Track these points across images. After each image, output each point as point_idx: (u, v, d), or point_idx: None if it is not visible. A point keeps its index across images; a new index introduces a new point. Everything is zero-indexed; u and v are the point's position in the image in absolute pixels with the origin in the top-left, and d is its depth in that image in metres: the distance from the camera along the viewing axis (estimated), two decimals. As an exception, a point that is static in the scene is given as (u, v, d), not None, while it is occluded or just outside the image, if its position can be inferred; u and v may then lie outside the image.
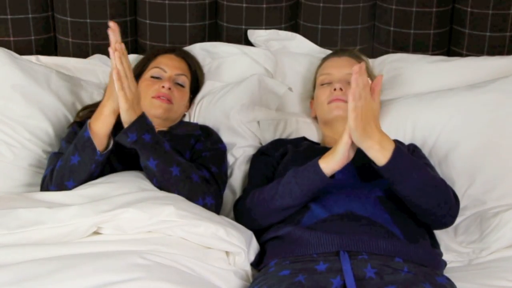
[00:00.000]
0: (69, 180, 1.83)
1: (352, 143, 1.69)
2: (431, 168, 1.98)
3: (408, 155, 1.74)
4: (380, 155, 1.68)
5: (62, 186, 1.83)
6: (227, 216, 1.95)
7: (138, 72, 2.21)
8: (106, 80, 2.39)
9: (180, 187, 1.82)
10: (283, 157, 2.02)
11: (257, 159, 2.06)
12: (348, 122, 1.65)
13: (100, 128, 1.82)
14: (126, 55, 1.78)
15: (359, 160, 1.89)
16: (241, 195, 1.98)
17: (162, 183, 1.83)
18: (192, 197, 1.82)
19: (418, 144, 2.12)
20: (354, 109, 1.63)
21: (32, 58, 2.37)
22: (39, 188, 1.93)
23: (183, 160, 1.88)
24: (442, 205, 1.78)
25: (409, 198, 1.75)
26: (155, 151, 1.81)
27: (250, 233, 1.76)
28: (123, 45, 1.77)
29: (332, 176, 1.74)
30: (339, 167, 1.73)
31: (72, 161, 1.82)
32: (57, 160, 1.90)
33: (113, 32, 1.76)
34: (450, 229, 1.99)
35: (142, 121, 1.80)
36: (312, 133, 2.24)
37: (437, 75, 2.32)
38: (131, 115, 1.79)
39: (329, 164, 1.72)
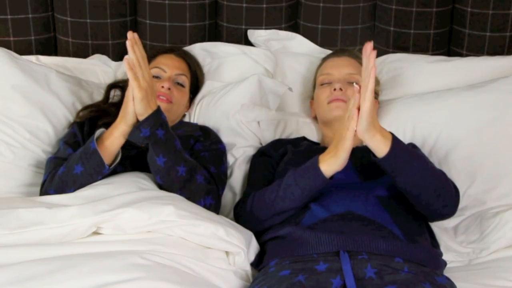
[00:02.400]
0: (71, 189, 1.81)
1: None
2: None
3: (406, 146, 1.76)
4: (382, 145, 1.69)
5: (62, 193, 1.82)
6: (226, 216, 1.95)
7: (138, 71, 2.21)
8: (106, 80, 2.39)
9: (182, 187, 1.82)
10: (283, 157, 2.02)
11: (256, 160, 2.06)
12: (360, 117, 1.65)
13: (109, 146, 1.80)
14: (139, 44, 1.77)
15: (359, 160, 1.90)
16: (240, 198, 1.98)
17: (166, 181, 1.82)
18: (193, 198, 1.82)
19: (418, 144, 2.12)
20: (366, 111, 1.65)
21: (32, 58, 2.37)
22: (38, 188, 1.93)
23: (191, 159, 1.87)
24: (443, 194, 1.78)
25: (410, 189, 1.75)
26: (166, 148, 1.80)
27: (250, 233, 1.76)
28: (135, 34, 1.77)
29: (331, 177, 1.75)
30: (340, 169, 1.74)
31: (75, 170, 1.81)
32: (54, 165, 1.89)
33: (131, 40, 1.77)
34: (450, 229, 2.00)
35: (156, 115, 1.77)
36: (312, 133, 2.24)
37: (437, 75, 2.32)
38: (145, 106, 1.75)
39: (331, 167, 1.73)
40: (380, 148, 1.70)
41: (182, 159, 1.83)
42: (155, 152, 1.79)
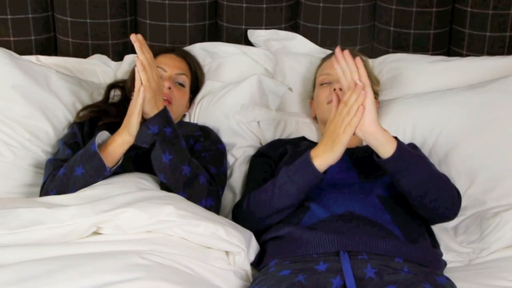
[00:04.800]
0: (72, 190, 1.81)
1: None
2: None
3: (409, 148, 1.76)
4: (388, 144, 1.69)
5: (63, 194, 1.81)
6: (226, 217, 1.94)
7: (138, 71, 2.22)
8: (106, 80, 2.39)
9: (185, 187, 1.82)
10: (282, 157, 2.02)
11: (255, 161, 2.06)
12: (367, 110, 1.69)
13: (112, 152, 1.82)
14: (146, 45, 1.81)
15: (359, 160, 1.90)
16: (239, 200, 1.98)
17: (170, 180, 1.82)
18: (195, 198, 1.82)
19: (418, 144, 2.12)
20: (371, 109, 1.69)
21: (32, 58, 2.38)
22: (39, 188, 1.93)
23: (195, 160, 1.89)
24: (446, 196, 1.79)
25: (414, 191, 1.75)
26: (172, 146, 1.82)
27: (250, 233, 1.76)
28: (139, 36, 1.80)
29: (325, 172, 1.74)
30: (334, 163, 1.73)
31: (76, 172, 1.81)
32: (54, 167, 1.89)
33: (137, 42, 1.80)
34: (450, 229, 2.00)
35: (164, 114, 1.83)
36: (312, 133, 2.24)
37: (437, 75, 2.32)
38: (152, 106, 1.81)
39: (325, 162, 1.72)
40: (385, 148, 1.70)
41: (187, 159, 1.85)
42: (162, 149, 1.82)
